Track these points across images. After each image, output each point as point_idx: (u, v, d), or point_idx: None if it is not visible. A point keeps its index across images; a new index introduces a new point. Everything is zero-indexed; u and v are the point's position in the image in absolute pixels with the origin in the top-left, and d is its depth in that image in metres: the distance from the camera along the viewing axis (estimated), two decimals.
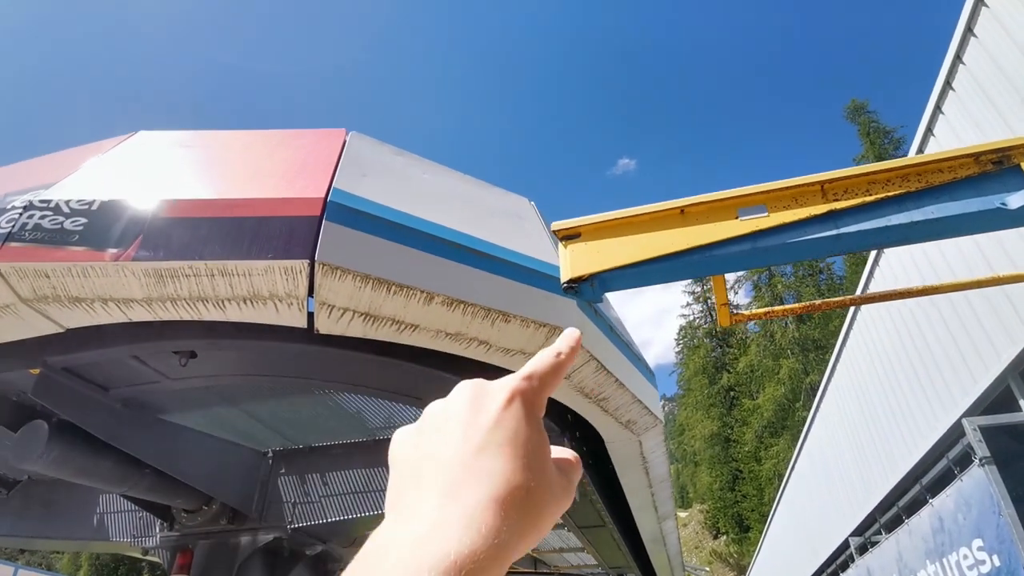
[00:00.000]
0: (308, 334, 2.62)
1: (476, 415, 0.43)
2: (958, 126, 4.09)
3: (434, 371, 2.90)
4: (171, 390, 3.14)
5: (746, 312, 2.44)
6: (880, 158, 40.69)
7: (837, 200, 2.09)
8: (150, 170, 2.79)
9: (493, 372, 3.13)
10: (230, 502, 3.71)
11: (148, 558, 4.92)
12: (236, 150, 2.93)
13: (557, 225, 2.32)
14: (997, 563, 4.36)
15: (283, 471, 4.17)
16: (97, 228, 2.40)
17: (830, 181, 2.12)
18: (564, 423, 3.66)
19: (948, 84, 4.12)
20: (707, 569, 45.27)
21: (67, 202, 2.49)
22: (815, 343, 40.06)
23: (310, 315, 2.49)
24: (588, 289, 2.18)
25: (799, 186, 2.15)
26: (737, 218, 2.18)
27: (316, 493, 3.94)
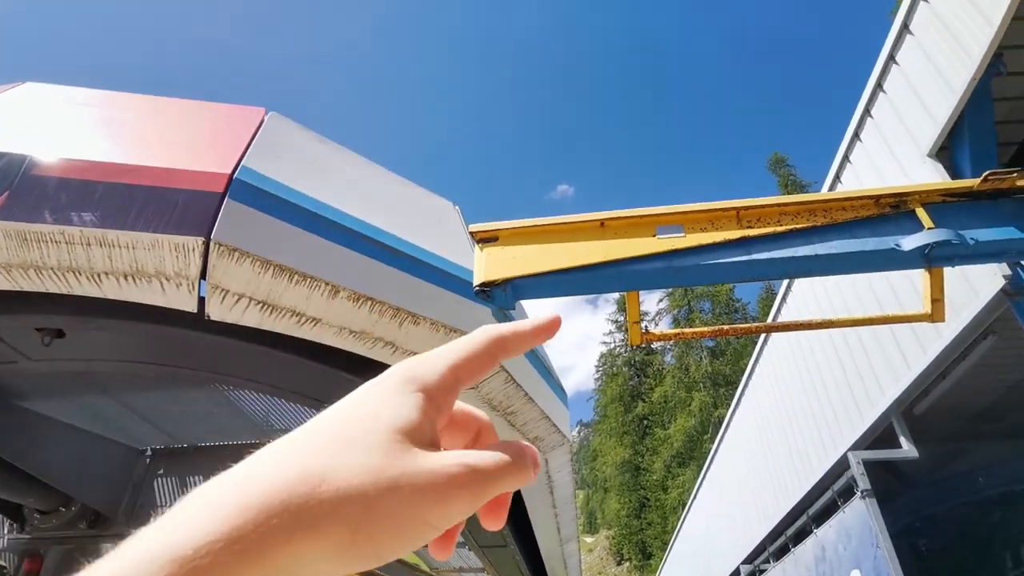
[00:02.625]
0: (199, 320, 2.40)
1: (340, 403, 0.39)
2: (862, 174, 4.42)
3: (336, 371, 2.74)
4: (32, 373, 2.80)
5: (656, 331, 2.45)
6: None
7: (750, 227, 2.13)
8: (30, 123, 2.50)
9: None
10: (93, 504, 3.35)
11: None
12: (138, 114, 2.68)
13: (475, 227, 2.24)
14: None
15: (161, 472, 3.81)
16: None
17: (745, 208, 2.16)
18: None
19: (856, 136, 4.46)
20: None
21: None
22: (726, 378, 41.98)
23: (201, 299, 2.29)
24: (501, 295, 2.12)
25: (716, 210, 2.18)
26: (655, 236, 2.18)
27: None
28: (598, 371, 57.31)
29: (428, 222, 3.18)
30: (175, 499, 3.90)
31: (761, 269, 2.10)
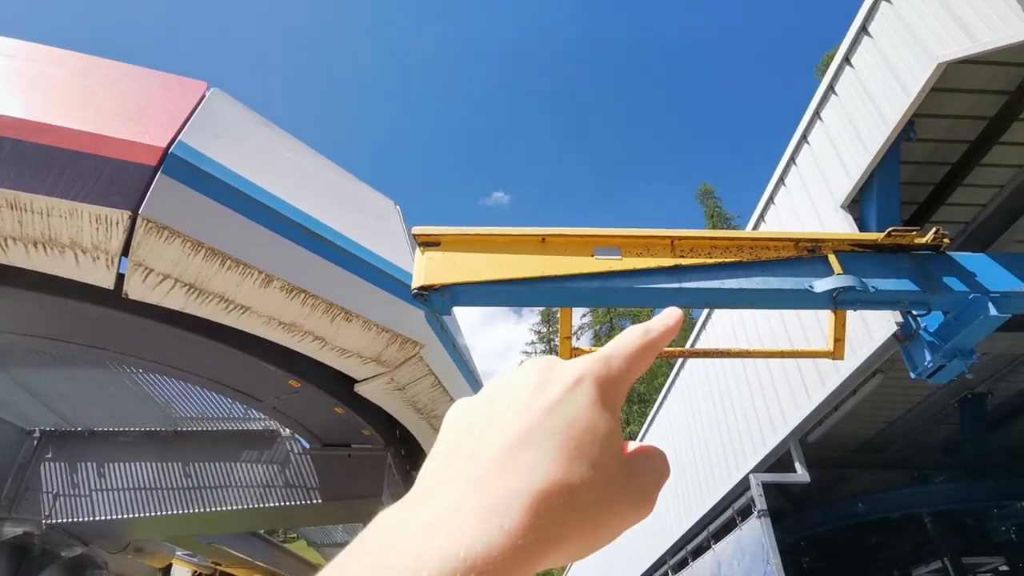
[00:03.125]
0: (113, 297, 2.26)
1: (534, 397, 0.37)
2: (784, 216, 4.75)
3: (259, 361, 2.65)
4: None
5: (586, 348, 2.53)
6: None
7: (683, 257, 2.24)
8: None
9: (329, 372, 2.93)
10: None
11: None
12: (68, 72, 2.50)
13: (418, 230, 2.24)
14: None
15: (49, 455, 3.54)
16: None
17: (680, 238, 2.27)
18: (391, 437, 3.52)
19: (781, 181, 4.80)
20: None
21: None
22: (640, 396, 43.27)
23: (120, 276, 2.16)
24: (438, 299, 2.12)
25: (652, 237, 2.28)
26: (593, 256, 2.25)
27: (88, 485, 3.37)
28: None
29: (369, 219, 3.13)
30: (63, 485, 3.61)
31: (690, 297, 2.21)
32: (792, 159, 4.42)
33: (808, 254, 2.37)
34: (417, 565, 0.28)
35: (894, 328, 3.26)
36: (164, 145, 2.18)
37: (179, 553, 5.56)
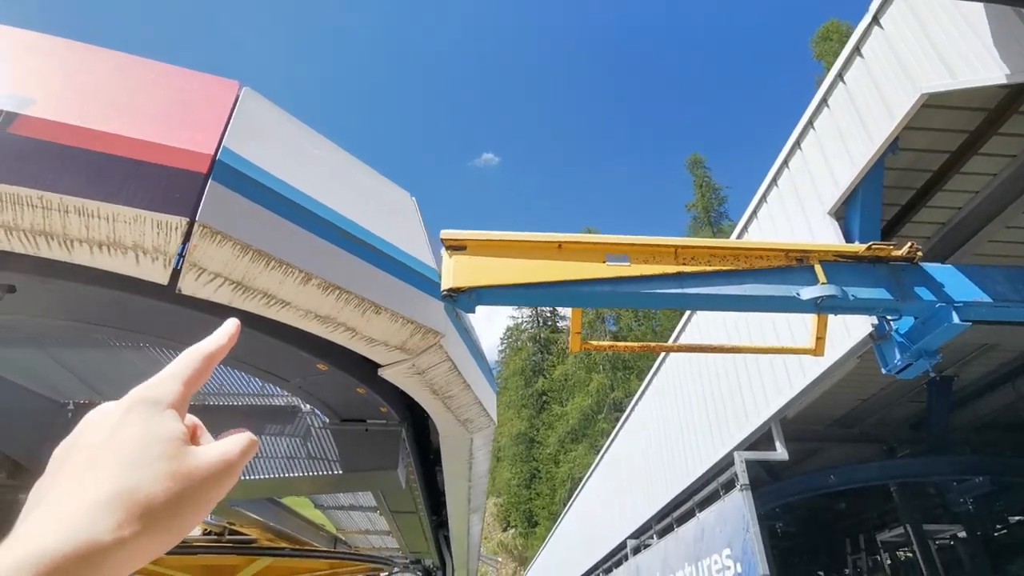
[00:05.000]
0: (165, 292, 2.45)
1: (95, 434, 0.46)
2: (776, 217, 5.00)
3: (293, 348, 2.87)
4: None
5: (594, 342, 2.78)
6: (707, 210, 46.29)
7: (685, 264, 2.48)
8: None
9: (352, 356, 3.17)
10: (11, 453, 3.30)
11: None
12: (105, 72, 2.63)
13: (446, 234, 2.45)
14: (739, 569, 5.36)
15: None
16: None
17: (683, 247, 2.51)
18: (405, 414, 3.78)
19: (774, 182, 5.04)
20: (499, 559, 47.39)
21: None
22: (624, 363, 43.92)
23: (174, 273, 2.35)
24: (465, 300, 2.35)
25: (658, 246, 2.51)
26: (605, 262, 2.49)
27: None
28: (503, 343, 58.20)
29: (390, 213, 3.33)
30: None
31: (691, 301, 2.46)
32: (785, 162, 4.66)
33: (797, 263, 2.62)
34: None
35: (869, 329, 3.56)
36: (212, 152, 2.35)
37: None
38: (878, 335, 2.89)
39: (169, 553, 6.35)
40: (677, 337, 8.09)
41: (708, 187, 47.07)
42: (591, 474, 19.58)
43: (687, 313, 8.04)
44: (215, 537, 6.81)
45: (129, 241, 2.19)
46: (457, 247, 2.43)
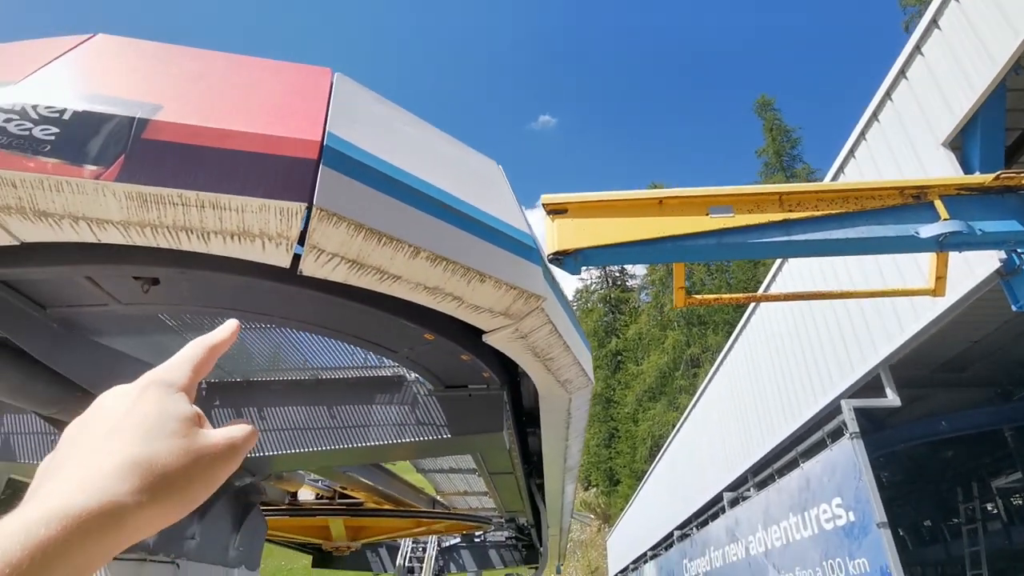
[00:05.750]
0: (287, 274, 2.64)
1: (114, 407, 0.50)
2: (879, 155, 4.69)
3: (402, 320, 3.02)
4: (118, 315, 3.03)
5: (698, 296, 2.77)
6: (779, 154, 43.88)
7: (791, 211, 2.41)
8: (121, 82, 2.63)
9: (456, 324, 3.31)
10: None
11: None
12: (217, 72, 2.81)
13: (547, 198, 2.48)
14: (852, 518, 5.26)
15: (217, 403, 4.12)
16: (72, 141, 2.27)
17: (787, 193, 2.44)
18: (505, 378, 3.91)
19: (874, 116, 4.69)
20: (590, 516, 48.21)
21: (34, 107, 2.32)
22: (699, 318, 43.03)
23: (295, 256, 2.52)
24: (571, 262, 2.39)
25: (761, 194, 2.45)
26: (708, 215, 2.46)
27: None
28: (574, 306, 58.03)
29: (481, 183, 3.40)
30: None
31: (799, 248, 2.40)
32: (888, 94, 4.33)
33: (913, 200, 2.48)
34: (28, 521, 0.36)
35: (997, 264, 3.32)
36: (319, 139, 2.48)
37: (308, 479, 6.39)
38: (1007, 271, 2.70)
39: (291, 515, 6.91)
40: (768, 287, 7.80)
41: (779, 130, 44.58)
42: (677, 431, 19.49)
43: (776, 263, 7.74)
44: (327, 501, 7.41)
45: (256, 229, 2.37)
46: (558, 211, 2.47)
